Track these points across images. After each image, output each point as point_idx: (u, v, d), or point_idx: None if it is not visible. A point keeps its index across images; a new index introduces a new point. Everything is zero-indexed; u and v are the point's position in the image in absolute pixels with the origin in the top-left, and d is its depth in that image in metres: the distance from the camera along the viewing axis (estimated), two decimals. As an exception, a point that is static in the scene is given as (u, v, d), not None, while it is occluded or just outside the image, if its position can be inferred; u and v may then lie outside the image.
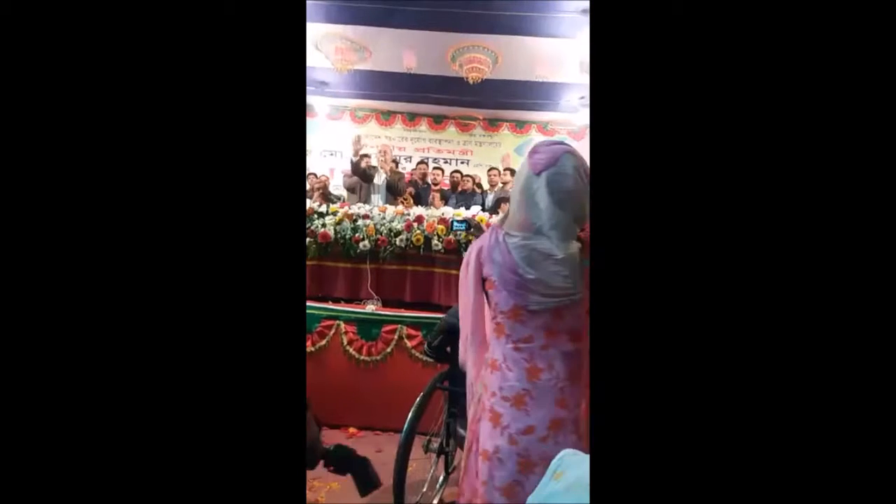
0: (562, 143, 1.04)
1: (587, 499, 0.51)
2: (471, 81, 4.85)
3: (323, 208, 2.97)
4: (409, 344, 2.61)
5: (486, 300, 1.06)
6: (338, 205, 3.12)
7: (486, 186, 5.03)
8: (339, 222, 2.88)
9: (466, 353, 1.10)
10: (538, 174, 0.97)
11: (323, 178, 5.03)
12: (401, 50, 4.88)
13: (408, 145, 6.91)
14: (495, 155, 6.71)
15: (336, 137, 6.55)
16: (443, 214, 2.91)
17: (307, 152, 6.23)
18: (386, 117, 6.86)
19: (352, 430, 2.56)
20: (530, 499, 0.56)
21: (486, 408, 1.04)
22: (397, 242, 2.82)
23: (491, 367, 1.05)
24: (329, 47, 4.76)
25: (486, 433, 1.03)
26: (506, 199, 4.15)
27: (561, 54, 4.64)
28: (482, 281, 1.04)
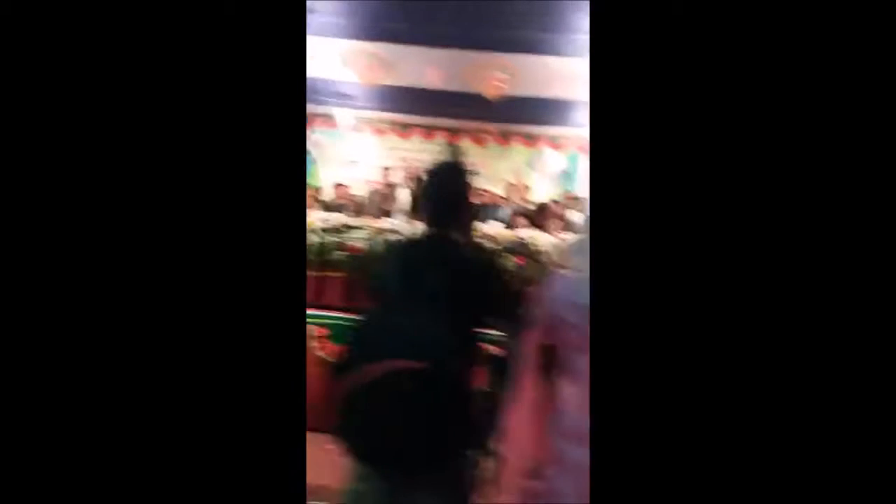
0: None
1: None
2: (490, 98, 5.13)
3: (354, 221, 3.15)
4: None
5: None
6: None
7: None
8: (371, 237, 3.04)
9: None
10: None
11: (346, 188, 5.30)
12: (423, 67, 5.17)
13: (425, 157, 7.16)
14: (507, 168, 6.95)
15: (357, 148, 6.86)
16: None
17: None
18: (404, 129, 7.13)
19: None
20: None
21: None
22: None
23: None
24: (355, 62, 5.07)
25: None
26: (523, 213, 4.33)
27: (573, 73, 4.91)
28: None
